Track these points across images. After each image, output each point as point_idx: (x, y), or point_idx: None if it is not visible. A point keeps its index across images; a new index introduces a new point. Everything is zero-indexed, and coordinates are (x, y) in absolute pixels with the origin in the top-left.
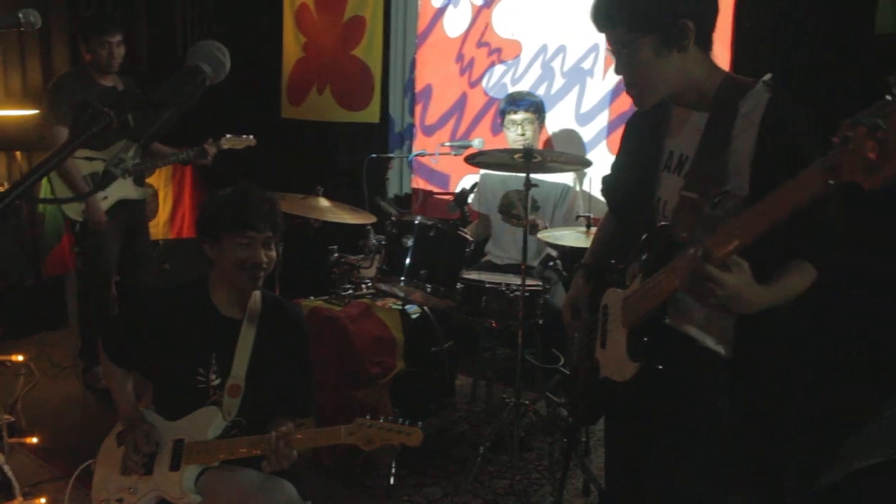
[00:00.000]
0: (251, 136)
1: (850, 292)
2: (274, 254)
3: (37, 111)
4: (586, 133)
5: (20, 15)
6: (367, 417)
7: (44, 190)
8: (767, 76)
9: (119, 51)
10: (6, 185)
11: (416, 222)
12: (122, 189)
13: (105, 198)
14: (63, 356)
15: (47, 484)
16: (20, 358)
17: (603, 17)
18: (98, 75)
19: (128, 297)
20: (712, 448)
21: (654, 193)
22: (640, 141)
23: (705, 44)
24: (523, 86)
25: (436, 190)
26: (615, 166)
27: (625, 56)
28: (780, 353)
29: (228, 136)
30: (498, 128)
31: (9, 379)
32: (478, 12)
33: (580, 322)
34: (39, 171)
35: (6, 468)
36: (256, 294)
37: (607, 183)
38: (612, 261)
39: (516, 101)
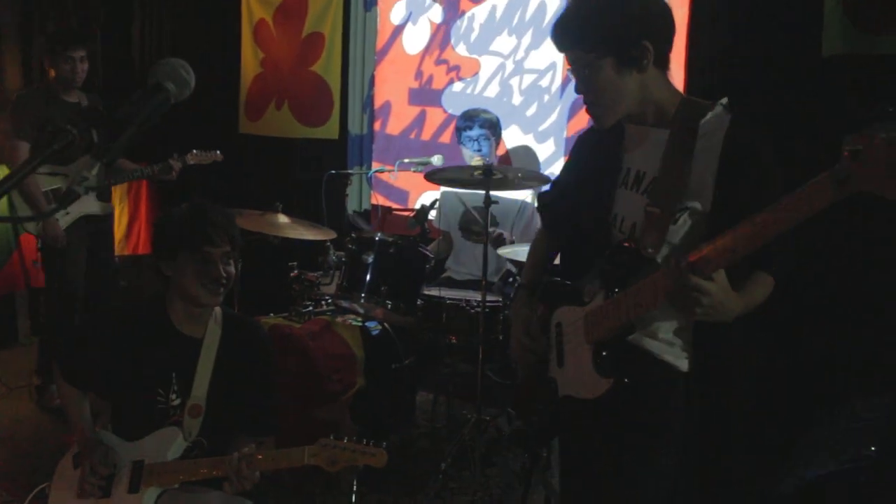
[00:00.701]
0: (217, 152)
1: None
2: (233, 269)
3: None
4: (544, 150)
5: None
6: (331, 437)
7: None
8: (724, 99)
9: (82, 66)
10: None
11: (377, 239)
12: (85, 205)
13: (67, 213)
14: (13, 376)
15: None
16: None
17: (563, 38)
18: (62, 91)
19: (85, 316)
20: (671, 460)
21: (611, 210)
22: (593, 158)
23: (663, 63)
24: (482, 103)
25: (395, 206)
26: (559, 184)
27: (585, 76)
28: (736, 364)
29: (195, 151)
30: (457, 144)
31: None
32: (436, 30)
33: (539, 344)
34: (4, 186)
35: None
36: (217, 312)
37: (548, 200)
38: (559, 279)
39: (471, 118)
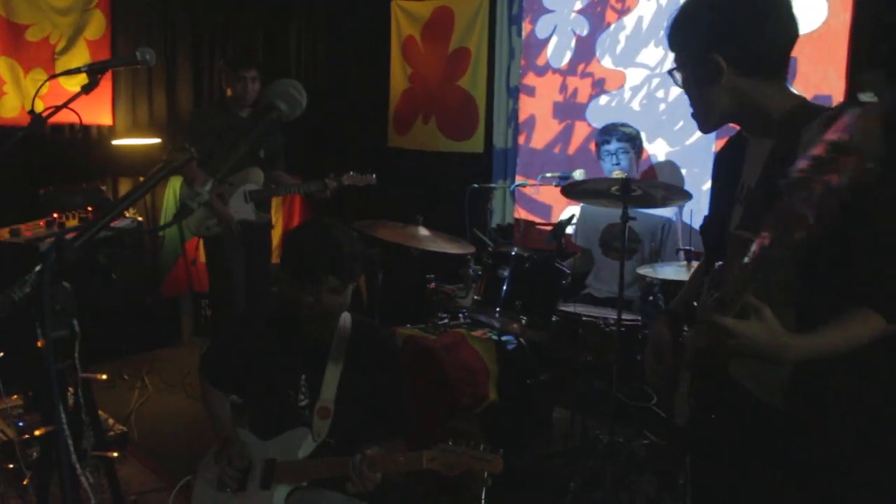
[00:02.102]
0: (373, 175)
1: None
2: (342, 298)
3: (160, 140)
4: (692, 165)
5: (137, 53)
6: (449, 443)
7: (168, 214)
8: (841, 103)
9: (254, 86)
10: (132, 211)
11: (513, 253)
12: (241, 211)
13: None
14: (172, 373)
15: (152, 493)
16: (103, 377)
17: (667, 40)
18: (237, 108)
19: (228, 322)
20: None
21: (728, 228)
22: (723, 173)
23: (760, 73)
24: (627, 116)
25: (537, 220)
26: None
27: (681, 79)
28: (841, 407)
29: (351, 172)
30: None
31: (124, 392)
32: (581, 43)
33: (662, 366)
34: (127, 200)
35: (83, 480)
36: (346, 318)
37: (704, 221)
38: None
39: (609, 132)
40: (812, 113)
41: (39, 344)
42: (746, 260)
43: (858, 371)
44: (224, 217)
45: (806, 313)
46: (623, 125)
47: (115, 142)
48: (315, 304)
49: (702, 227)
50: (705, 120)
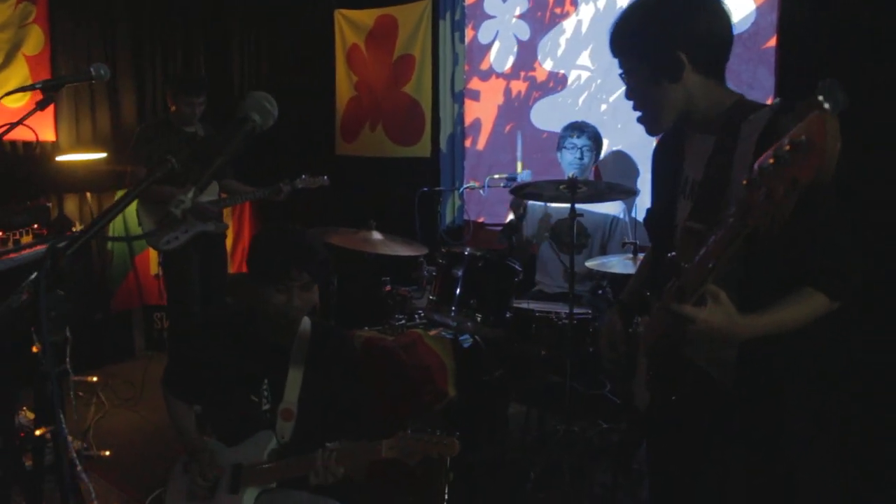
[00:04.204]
0: (325, 177)
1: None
2: (311, 294)
3: (105, 155)
4: (639, 160)
5: (91, 69)
6: (408, 431)
7: (115, 229)
8: (777, 101)
9: (200, 108)
10: (79, 225)
11: (466, 253)
12: (203, 223)
13: (185, 231)
14: (127, 388)
15: None
16: (94, 379)
17: (611, 45)
18: (181, 124)
19: (184, 333)
20: (725, 478)
21: (674, 221)
22: (663, 168)
23: (709, 71)
24: (571, 116)
25: (487, 221)
26: (653, 197)
27: (629, 84)
28: (786, 383)
29: (304, 176)
30: (546, 159)
31: (80, 409)
32: (523, 47)
33: (617, 355)
34: (114, 210)
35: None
36: (306, 321)
37: (646, 214)
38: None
39: (580, 128)
40: (749, 109)
41: (35, 349)
42: (706, 250)
43: (801, 350)
44: (204, 212)
45: (748, 295)
46: (593, 126)
47: (59, 158)
48: (286, 303)
49: (645, 220)
50: (657, 120)
